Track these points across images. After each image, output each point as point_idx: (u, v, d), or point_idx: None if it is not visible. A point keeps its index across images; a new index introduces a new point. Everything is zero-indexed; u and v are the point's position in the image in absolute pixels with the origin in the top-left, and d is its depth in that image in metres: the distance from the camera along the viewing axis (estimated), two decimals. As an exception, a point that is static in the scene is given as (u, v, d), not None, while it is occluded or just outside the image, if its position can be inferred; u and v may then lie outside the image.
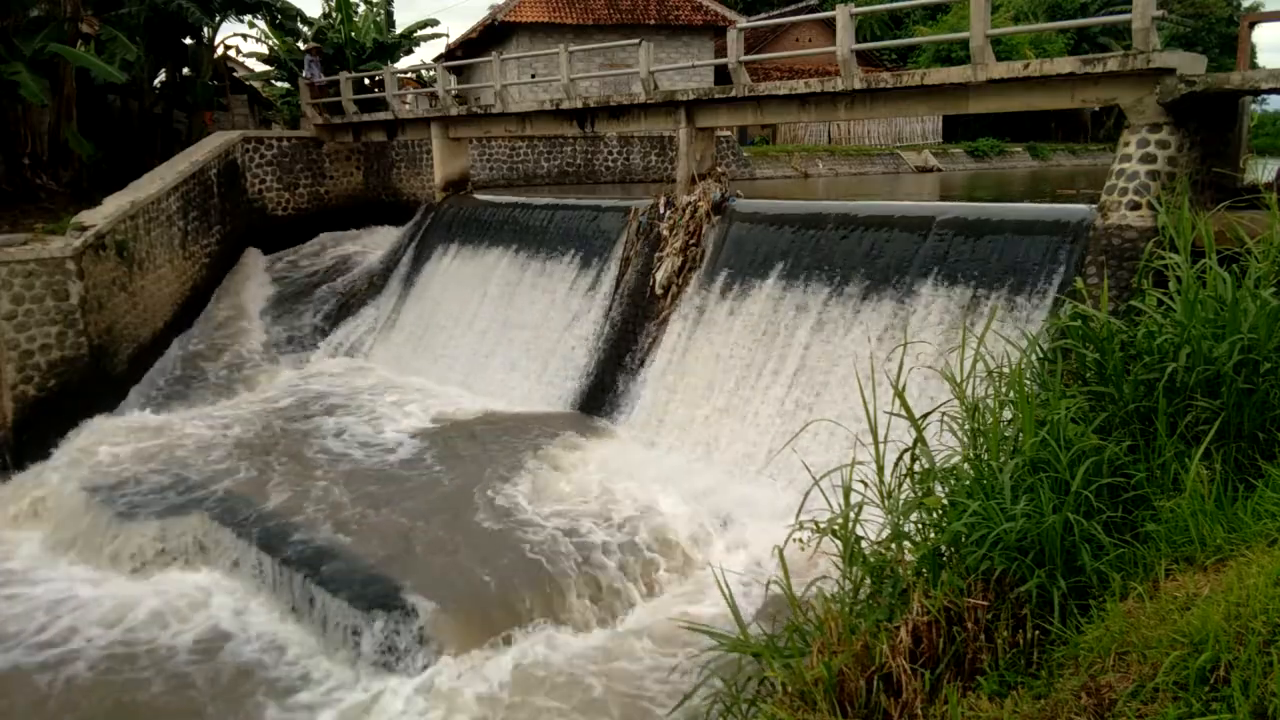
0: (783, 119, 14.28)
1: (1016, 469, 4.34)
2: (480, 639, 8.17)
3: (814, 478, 4.90)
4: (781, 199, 15.79)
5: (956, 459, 4.75)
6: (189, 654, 8.49)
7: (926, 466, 4.76)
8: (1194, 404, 4.64)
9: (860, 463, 4.75)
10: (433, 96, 21.55)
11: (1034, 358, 5.54)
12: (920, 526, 4.59)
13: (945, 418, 5.04)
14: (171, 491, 11.04)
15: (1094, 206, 9.80)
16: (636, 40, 15.29)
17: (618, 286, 14.36)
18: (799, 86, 12.49)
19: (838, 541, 4.71)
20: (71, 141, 18.51)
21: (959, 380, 5.12)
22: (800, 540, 4.81)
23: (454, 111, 18.67)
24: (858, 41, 11.89)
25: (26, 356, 13.29)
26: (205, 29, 22.13)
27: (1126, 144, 9.58)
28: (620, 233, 14.82)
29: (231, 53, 27.29)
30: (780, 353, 11.61)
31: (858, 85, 11.69)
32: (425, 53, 74.99)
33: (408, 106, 24.38)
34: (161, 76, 22.81)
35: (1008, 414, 4.88)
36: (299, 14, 23.41)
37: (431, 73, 26.20)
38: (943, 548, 4.35)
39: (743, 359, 11.96)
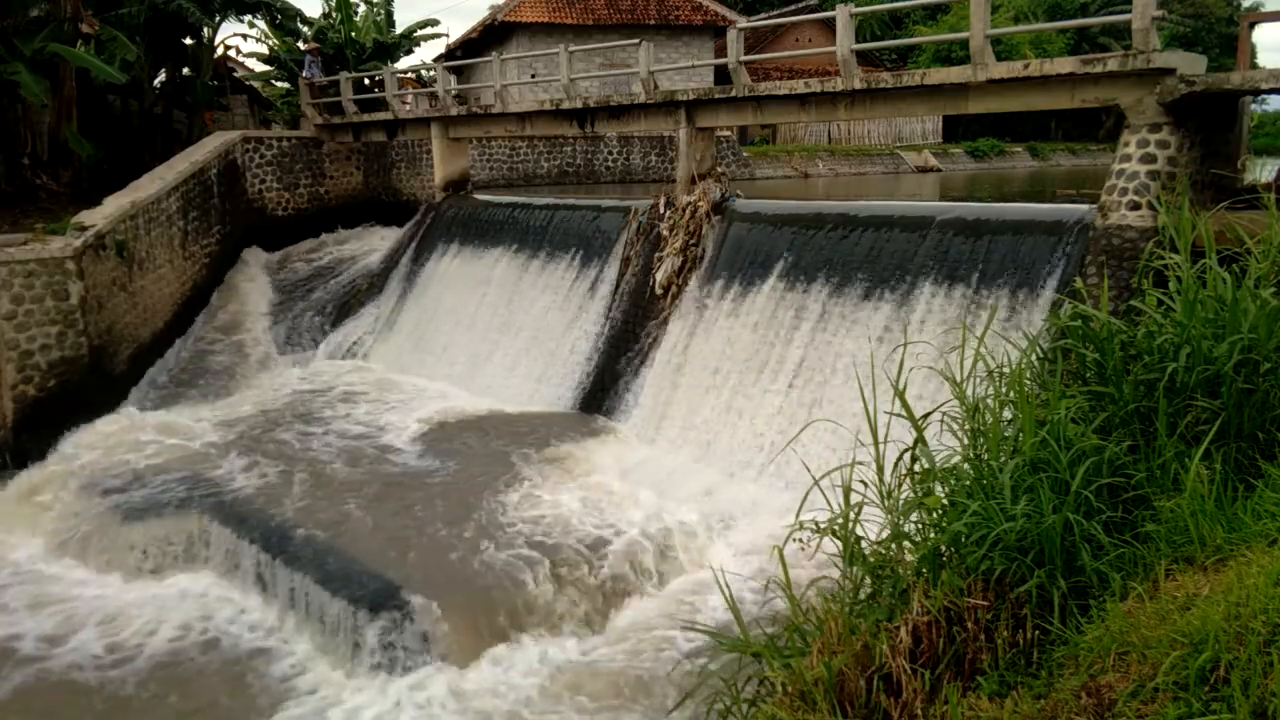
0: (783, 119, 14.27)
1: (1016, 469, 4.34)
2: (480, 639, 8.17)
3: (814, 478, 4.90)
4: (781, 199, 15.78)
5: (956, 459, 4.74)
6: (187, 654, 8.49)
7: (926, 466, 4.75)
8: (1194, 404, 4.64)
9: (860, 463, 4.75)
10: (433, 96, 21.54)
11: (1034, 358, 5.53)
12: (920, 526, 4.58)
13: (945, 418, 5.04)
14: (171, 491, 11.03)
15: (1094, 206, 9.80)
16: (636, 40, 15.30)
17: (618, 286, 14.36)
18: (799, 86, 12.49)
19: (838, 541, 4.71)
20: (71, 141, 18.50)
21: (959, 380, 5.11)
22: (800, 540, 4.81)
23: (454, 111, 18.67)
24: (858, 41, 11.89)
25: (26, 356, 13.29)
26: (205, 29, 22.10)
27: (1126, 144, 9.58)
28: (620, 233, 14.82)
29: (231, 53, 27.32)
30: (780, 352, 11.61)
31: (858, 85, 11.69)
32: (425, 53, 75.17)
33: (408, 106, 24.37)
34: (161, 76, 22.78)
35: (1008, 414, 4.88)
36: (299, 14, 23.38)
37: (431, 73, 26.19)
38: (943, 548, 4.35)
39: (743, 359, 11.96)
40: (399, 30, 26.51)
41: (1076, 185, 16.89)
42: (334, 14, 25.49)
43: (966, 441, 4.84)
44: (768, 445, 10.94)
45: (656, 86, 14.72)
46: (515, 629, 8.31)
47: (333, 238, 21.63)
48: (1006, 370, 5.09)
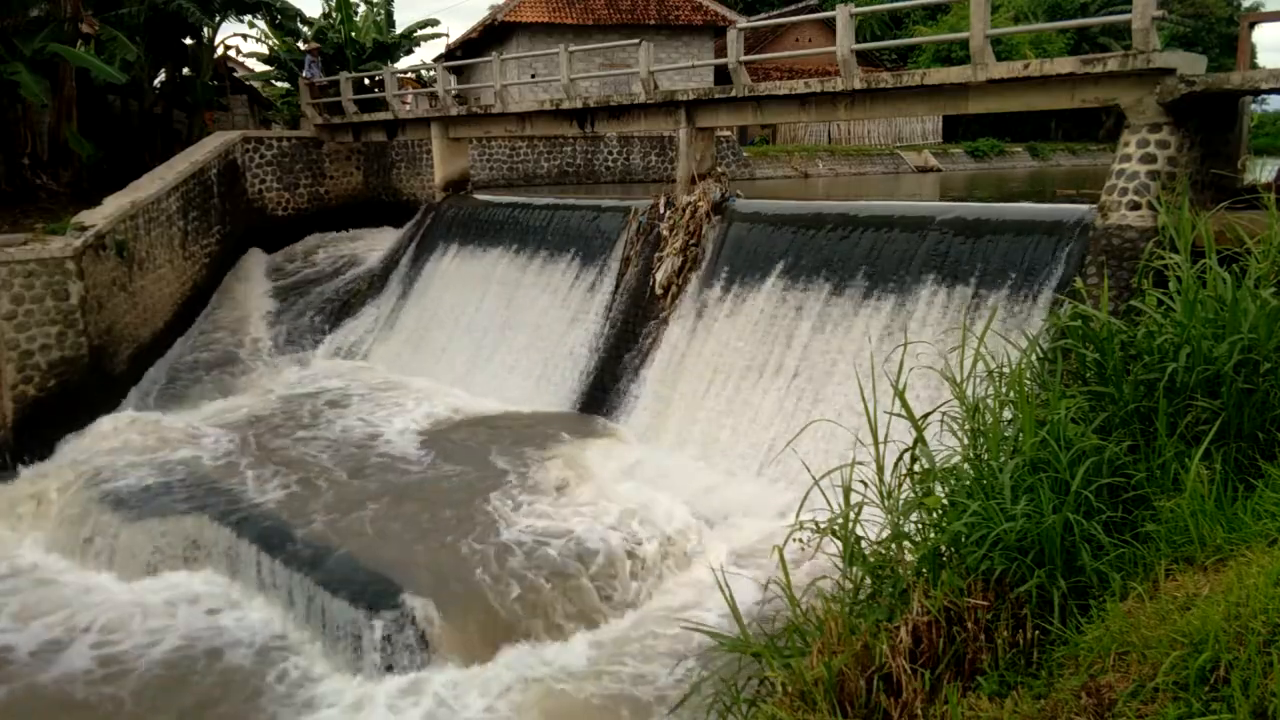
0: (783, 119, 14.28)
1: (1016, 469, 4.33)
2: (480, 639, 8.17)
3: (814, 478, 4.89)
4: (781, 199, 15.78)
5: (956, 459, 4.74)
6: (188, 654, 8.49)
7: (926, 466, 4.75)
8: (1194, 404, 4.63)
9: (860, 463, 4.75)
10: (433, 96, 21.55)
11: (1034, 358, 5.53)
12: (920, 526, 4.58)
13: (945, 418, 5.03)
14: (171, 492, 11.03)
15: (1093, 206, 9.80)
16: (636, 40, 15.30)
17: (618, 286, 14.36)
18: (799, 86, 12.49)
19: (838, 541, 4.70)
20: (71, 141, 18.50)
21: (959, 380, 5.11)
22: (800, 540, 4.80)
23: (454, 111, 18.68)
24: (858, 41, 11.89)
25: (26, 356, 13.29)
26: (205, 29, 22.11)
27: (1126, 144, 9.58)
28: (620, 233, 14.82)
29: (231, 53, 27.31)
30: (780, 352, 11.61)
31: (858, 85, 11.69)
32: (425, 53, 75.16)
33: (408, 106, 24.37)
34: (161, 76, 22.78)
35: (1008, 414, 4.87)
36: (299, 14, 23.38)
37: (431, 73, 26.19)
38: (943, 548, 4.35)
39: (743, 359, 11.97)
40: (399, 30, 26.52)
41: (1076, 185, 16.90)
42: (334, 14, 25.49)
43: (966, 441, 4.84)
44: (767, 445, 10.94)
45: (656, 86, 14.72)
46: (515, 631, 8.31)
47: (333, 238, 21.64)
48: (1006, 370, 5.09)
